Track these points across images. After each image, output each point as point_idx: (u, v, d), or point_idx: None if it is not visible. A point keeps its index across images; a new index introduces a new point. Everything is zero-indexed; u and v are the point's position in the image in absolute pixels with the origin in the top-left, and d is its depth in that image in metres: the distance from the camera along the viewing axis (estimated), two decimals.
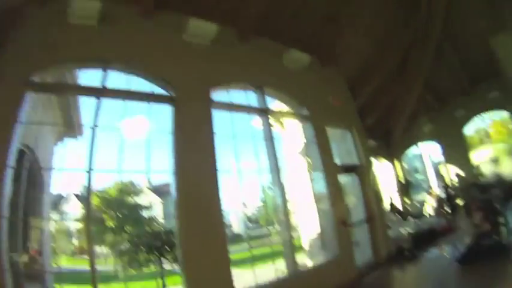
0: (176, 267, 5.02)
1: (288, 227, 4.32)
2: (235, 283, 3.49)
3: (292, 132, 5.51)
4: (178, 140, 3.30)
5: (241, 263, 5.96)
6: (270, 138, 4.52)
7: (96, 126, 3.08)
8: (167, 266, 9.96)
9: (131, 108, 3.38)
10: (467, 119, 11.97)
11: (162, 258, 10.10)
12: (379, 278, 5.43)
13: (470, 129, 12.83)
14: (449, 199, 10.54)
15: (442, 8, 7.46)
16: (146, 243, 10.44)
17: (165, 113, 3.49)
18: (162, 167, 3.66)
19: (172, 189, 3.18)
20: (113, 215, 12.58)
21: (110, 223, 12.35)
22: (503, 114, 12.05)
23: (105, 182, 13.75)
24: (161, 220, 13.48)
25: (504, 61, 8.73)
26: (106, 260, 11.51)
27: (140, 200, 13.68)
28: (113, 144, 3.33)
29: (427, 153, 18.20)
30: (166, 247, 10.02)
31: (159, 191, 15.29)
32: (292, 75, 5.55)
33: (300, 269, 4.34)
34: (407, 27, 7.79)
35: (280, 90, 5.14)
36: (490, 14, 8.21)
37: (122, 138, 3.28)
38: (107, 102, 3.22)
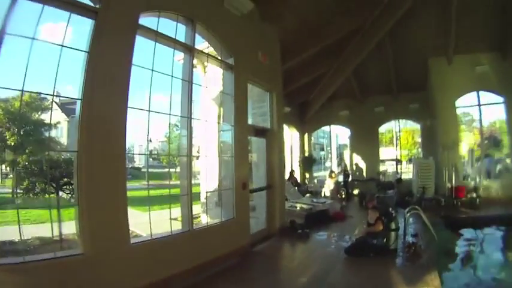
0: (73, 199, 5.10)
1: (188, 173, 4.78)
2: (131, 224, 3.84)
3: (212, 79, 6.03)
4: (93, 60, 3.40)
5: (140, 202, 6.45)
6: (188, 79, 4.86)
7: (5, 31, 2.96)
8: (65, 197, 10.46)
9: (49, 15, 3.28)
10: (384, 117, 14.74)
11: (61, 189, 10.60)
12: (268, 249, 6.48)
13: (383, 127, 15.83)
14: (347, 186, 12.81)
15: (400, 10, 8.92)
16: (44, 170, 10.57)
17: (85, 26, 3.52)
18: (73, 84, 3.69)
19: (78, 110, 3.37)
20: (15, 130, 13.16)
21: (11, 140, 12.90)
22: (415, 125, 15.32)
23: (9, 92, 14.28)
24: (64, 142, 14.57)
25: (434, 82, 11.46)
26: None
27: (46, 117, 14.40)
28: (23, 52, 3.20)
29: (337, 135, 21.68)
30: (65, 177, 10.50)
31: (68, 109, 16.26)
32: (229, 19, 5.98)
33: (194, 222, 4.94)
34: (359, 12, 9.13)
35: (213, 31, 5.47)
36: (439, 37, 10.45)
37: (34, 47, 3.18)
38: (22, 6, 3.04)
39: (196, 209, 5.98)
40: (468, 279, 5.46)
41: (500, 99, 11.37)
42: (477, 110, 12.13)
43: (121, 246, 3.65)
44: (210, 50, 5.74)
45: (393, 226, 5.90)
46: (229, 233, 5.68)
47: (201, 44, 5.71)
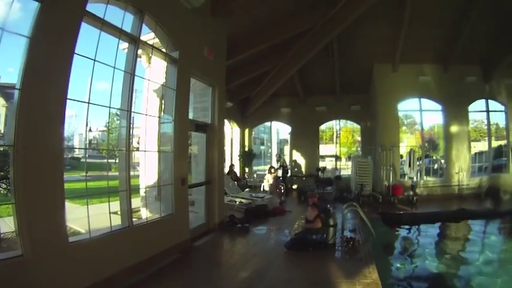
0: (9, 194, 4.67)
1: (127, 167, 4.72)
2: (70, 219, 3.85)
3: (156, 71, 5.99)
4: (35, 46, 3.25)
5: (79, 195, 6.18)
6: (131, 71, 4.82)
7: None
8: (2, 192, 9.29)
9: None
10: (325, 116, 15.63)
11: None
12: (209, 244, 6.67)
13: (324, 125, 16.66)
14: (285, 182, 13.27)
15: (351, 16, 9.41)
16: None
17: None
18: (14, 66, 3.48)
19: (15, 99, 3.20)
20: None
21: None
22: (355, 125, 16.32)
23: None
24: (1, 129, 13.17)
25: (377, 86, 12.43)
26: None
27: None
28: None
29: (278, 131, 22.37)
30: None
31: (7, 93, 14.37)
32: (179, 12, 6.05)
33: (134, 217, 4.94)
34: (310, 14, 9.54)
35: (161, 23, 5.45)
36: (387, 45, 11.36)
37: None
38: None
39: (137, 202, 5.92)
40: (405, 271, 5.99)
41: (439, 106, 12.82)
42: (419, 115, 13.53)
43: (59, 246, 3.54)
44: (156, 42, 5.69)
45: (331, 222, 6.19)
46: (169, 229, 5.72)
47: (147, 34, 5.64)
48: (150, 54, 5.64)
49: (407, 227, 8.95)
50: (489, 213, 9.80)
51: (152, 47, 5.47)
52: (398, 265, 6.33)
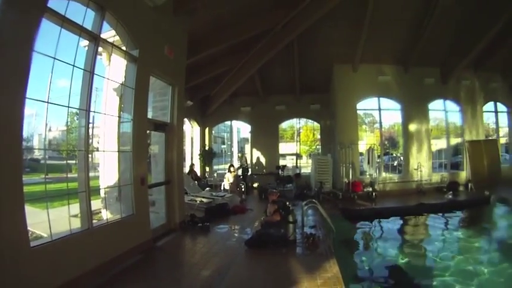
0: None
1: (86, 167, 4.68)
2: (31, 224, 3.73)
3: (116, 69, 5.92)
4: None
5: (39, 198, 5.96)
6: (91, 68, 4.76)
7: None
8: None
9: None
10: (285, 115, 16.02)
11: None
12: (170, 244, 6.69)
13: (285, 123, 17.16)
14: (246, 180, 13.47)
15: (312, 17, 9.65)
16: None
17: None
18: None
19: None
20: None
21: None
22: (316, 123, 16.79)
23: None
24: None
25: (337, 86, 12.92)
26: None
27: None
28: None
29: (239, 129, 22.54)
30: None
31: None
32: (141, 10, 6.06)
33: (94, 219, 4.92)
34: (272, 14, 9.74)
35: (122, 21, 5.43)
36: (347, 46, 11.80)
37: None
38: None
39: (97, 204, 5.84)
40: (365, 265, 6.32)
41: (399, 106, 13.55)
42: (378, 114, 14.10)
43: (21, 251, 3.49)
44: (117, 39, 5.65)
45: (291, 218, 6.34)
46: (130, 230, 5.72)
47: (108, 32, 5.58)
48: (110, 53, 5.58)
49: (367, 222, 9.33)
50: (447, 206, 10.52)
51: (112, 45, 5.42)
52: (359, 259, 6.67)
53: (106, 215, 5.55)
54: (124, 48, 5.76)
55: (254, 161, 15.67)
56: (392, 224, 9.27)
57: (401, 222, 9.38)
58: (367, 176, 12.60)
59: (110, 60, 5.60)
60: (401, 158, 14.08)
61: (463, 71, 13.56)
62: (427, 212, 9.91)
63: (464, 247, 7.28)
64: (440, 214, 9.86)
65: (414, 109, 13.44)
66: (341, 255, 5.80)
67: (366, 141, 17.60)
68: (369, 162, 12.45)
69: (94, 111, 5.09)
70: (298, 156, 17.40)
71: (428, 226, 9.23)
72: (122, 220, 5.55)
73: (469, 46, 11.81)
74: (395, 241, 7.81)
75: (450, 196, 11.47)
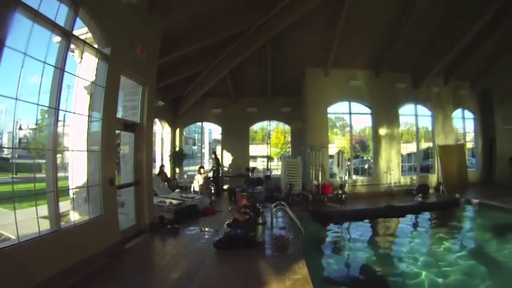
0: None
1: (54, 166, 4.59)
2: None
3: (87, 67, 5.80)
4: None
5: (6, 199, 5.71)
6: (61, 65, 4.68)
7: None
8: None
9: None
10: (256, 117, 16.12)
11: None
12: (139, 246, 6.61)
13: (257, 126, 17.20)
14: (217, 182, 13.51)
15: (286, 20, 9.78)
16: None
17: None
18: None
19: None
20: None
21: None
22: (286, 126, 17.01)
23: None
24: None
25: (309, 89, 13.12)
26: None
27: None
28: None
29: (210, 131, 22.50)
30: None
31: None
32: (115, 7, 6.00)
33: (61, 222, 4.78)
34: (247, 16, 9.77)
35: (96, 18, 5.36)
36: (320, 50, 12.00)
37: None
38: None
39: (67, 205, 5.69)
40: (335, 266, 6.40)
41: (369, 110, 13.92)
42: (348, 117, 14.45)
43: None
44: (89, 36, 5.55)
45: (260, 220, 6.39)
46: (99, 231, 5.64)
47: (81, 28, 5.47)
48: (82, 50, 5.48)
49: (337, 223, 9.49)
50: (416, 208, 10.90)
51: (84, 42, 5.33)
52: (329, 260, 6.76)
53: (75, 217, 5.42)
54: (96, 46, 5.68)
55: (224, 162, 15.65)
56: (361, 225, 9.47)
57: (370, 224, 9.61)
58: (337, 179, 12.81)
59: (81, 58, 5.48)
60: (372, 161, 14.39)
61: (434, 78, 14.20)
62: (396, 214, 10.17)
63: (433, 248, 7.53)
64: (410, 216, 10.19)
65: (384, 113, 13.85)
66: (310, 256, 5.88)
67: (337, 144, 18.00)
68: (338, 165, 12.69)
69: (64, 110, 4.97)
70: (269, 158, 17.54)
71: (398, 228, 9.47)
72: (90, 221, 5.46)
73: (441, 54, 12.34)
74: (364, 242, 7.96)
75: (419, 199, 11.88)
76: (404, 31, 11.07)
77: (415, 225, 9.66)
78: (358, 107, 14.13)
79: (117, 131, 7.05)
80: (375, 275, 5.98)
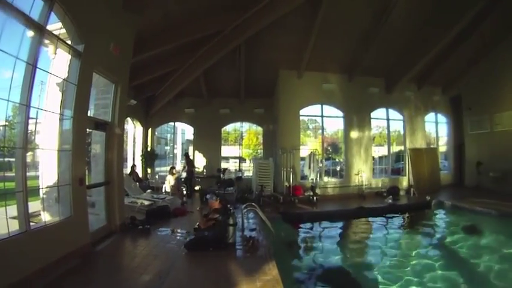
0: None
1: (23, 165, 4.45)
2: None
3: (60, 63, 5.65)
4: None
5: None
6: (34, 60, 4.56)
7: None
8: None
9: None
10: (229, 119, 16.18)
11: None
12: (110, 247, 6.51)
13: (230, 126, 17.18)
14: (190, 183, 13.33)
15: (262, 22, 9.83)
16: None
17: None
18: None
19: None
20: None
21: None
22: (259, 128, 17.17)
23: None
24: None
25: (281, 91, 13.27)
26: None
27: None
28: None
29: (183, 131, 22.24)
30: None
31: None
32: (90, 3, 5.92)
33: (32, 222, 4.65)
34: (222, 16, 9.77)
35: (70, 13, 5.25)
36: (294, 53, 12.16)
37: None
38: None
39: (37, 205, 5.50)
40: (306, 267, 6.50)
41: (341, 113, 14.23)
42: (320, 120, 14.68)
43: None
44: (62, 32, 5.42)
45: (231, 221, 6.40)
46: (69, 232, 5.50)
47: (54, 24, 5.33)
48: (55, 46, 5.34)
49: (308, 225, 9.66)
50: (387, 210, 11.22)
51: (57, 38, 5.20)
52: (300, 261, 6.87)
53: (45, 217, 5.27)
54: (69, 42, 5.55)
55: (197, 163, 15.53)
56: (332, 227, 9.64)
57: (341, 225, 9.79)
58: (310, 180, 12.96)
59: (55, 54, 5.33)
60: (343, 163, 14.67)
61: (407, 83, 14.69)
62: (367, 216, 10.46)
63: (403, 247, 7.85)
64: (381, 217, 10.47)
65: (356, 117, 14.21)
66: (281, 257, 5.95)
67: (310, 146, 18.26)
68: (309, 167, 12.85)
69: (35, 107, 4.82)
70: (242, 159, 17.60)
71: (368, 229, 9.71)
72: (61, 222, 5.33)
73: (414, 60, 12.77)
74: (335, 243, 8.12)
75: (390, 200, 12.19)
76: (379, 37, 11.41)
77: (386, 226, 9.92)
78: (330, 109, 14.39)
79: (88, 130, 6.89)
80: (345, 275, 6.11)
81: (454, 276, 5.82)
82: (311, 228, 9.50)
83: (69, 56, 5.71)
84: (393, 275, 5.90)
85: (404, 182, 14.72)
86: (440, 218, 10.87)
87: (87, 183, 6.56)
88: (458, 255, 7.13)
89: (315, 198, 12.02)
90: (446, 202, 11.65)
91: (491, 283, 5.61)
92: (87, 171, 6.76)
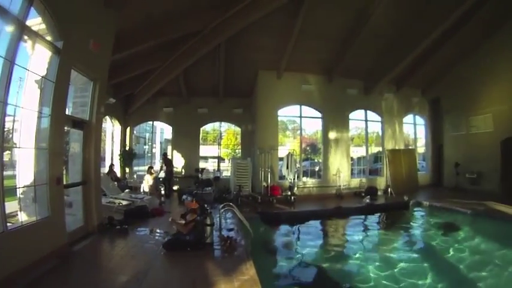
0: None
1: (0, 163, 4.36)
2: None
3: (39, 59, 5.52)
4: None
5: None
6: (12, 56, 4.46)
7: None
8: None
9: None
10: (208, 118, 16.15)
11: None
12: (88, 248, 6.40)
13: (209, 126, 17.21)
14: (169, 183, 13.33)
15: (243, 22, 9.85)
16: None
17: None
18: None
19: None
20: None
21: None
22: (237, 128, 17.20)
23: None
24: None
25: (260, 91, 13.35)
26: None
27: None
28: None
29: (162, 130, 22.01)
30: None
31: None
32: (70, 0, 5.80)
33: (8, 223, 4.52)
34: (203, 16, 9.72)
35: (50, 9, 5.14)
36: (274, 53, 12.23)
37: None
38: None
39: (15, 205, 5.34)
40: (284, 266, 6.57)
41: (320, 114, 14.42)
42: (299, 121, 14.85)
43: None
44: (42, 28, 5.29)
45: (209, 221, 6.42)
46: (46, 233, 5.38)
47: (34, 18, 5.20)
48: (34, 42, 5.21)
49: (286, 225, 9.75)
50: (364, 210, 11.45)
51: (37, 34, 5.07)
52: (278, 261, 6.92)
53: (22, 217, 5.13)
54: (49, 38, 5.42)
55: (175, 163, 15.42)
56: (310, 226, 9.75)
57: (319, 225, 9.93)
58: (288, 180, 13.04)
59: (34, 50, 5.19)
60: (322, 163, 14.84)
61: (386, 84, 15.01)
62: (345, 215, 10.65)
63: (381, 246, 7.99)
64: (359, 217, 10.70)
65: (335, 118, 14.43)
66: (259, 257, 6.00)
67: (289, 146, 18.38)
68: (287, 167, 12.92)
69: (12, 104, 4.70)
70: (220, 159, 17.58)
71: (346, 228, 9.90)
72: (38, 222, 5.20)
73: (393, 63, 13.04)
74: (313, 243, 8.22)
75: (368, 200, 12.38)
76: (359, 39, 11.62)
77: (363, 225, 10.15)
78: (309, 110, 14.57)
79: (66, 128, 6.73)
80: (323, 274, 6.19)
81: (431, 273, 6.02)
82: (289, 228, 9.59)
83: (48, 53, 5.58)
84: (370, 273, 6.03)
85: (382, 182, 15.03)
86: (418, 217, 11.19)
87: (64, 183, 6.41)
88: (434, 253, 7.38)
89: (292, 198, 12.11)
90: (424, 202, 11.98)
91: (462, 275, 5.95)
92: (64, 170, 6.67)
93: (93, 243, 6.75)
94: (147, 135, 18.95)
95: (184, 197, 9.24)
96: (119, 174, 13.95)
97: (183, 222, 6.59)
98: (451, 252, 7.10)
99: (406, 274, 5.96)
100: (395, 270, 6.17)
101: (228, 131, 21.38)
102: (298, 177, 13.71)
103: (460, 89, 15.03)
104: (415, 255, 7.22)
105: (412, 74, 14.93)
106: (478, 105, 14.09)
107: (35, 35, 5.11)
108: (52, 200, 5.58)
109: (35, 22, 5.25)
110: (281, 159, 14.09)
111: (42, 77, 5.55)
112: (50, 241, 5.48)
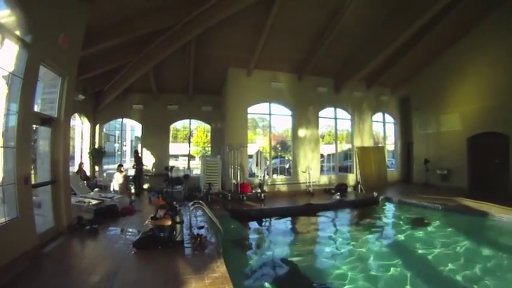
0: None
1: None
2: None
3: (6, 54, 5.28)
4: None
5: None
6: None
7: None
8: None
9: None
10: (177, 115, 15.98)
11: None
12: (58, 249, 6.21)
13: (180, 123, 17.10)
14: (139, 181, 13.12)
15: (213, 19, 9.75)
16: None
17: None
18: None
19: None
20: None
21: None
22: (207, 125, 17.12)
23: None
24: None
25: (230, 89, 13.43)
26: None
27: None
28: None
29: (133, 128, 21.50)
30: None
31: None
32: None
33: None
34: (175, 11, 9.59)
35: (19, 1, 4.96)
36: (244, 51, 12.26)
37: None
38: None
39: None
40: (254, 264, 6.62)
41: (289, 112, 14.55)
42: (269, 118, 14.89)
43: None
44: (10, 21, 5.06)
45: (178, 219, 6.40)
46: (15, 235, 5.19)
47: (2, 10, 4.96)
48: (3, 36, 4.97)
49: (256, 222, 9.82)
50: (335, 206, 11.71)
51: (4, 27, 4.85)
52: (249, 258, 6.99)
53: None
54: (17, 32, 5.19)
55: (145, 161, 15.13)
56: (281, 223, 9.88)
57: (290, 221, 10.05)
58: (258, 178, 13.12)
59: (2, 44, 4.95)
60: (291, 160, 14.98)
61: (356, 83, 15.39)
62: (315, 212, 10.80)
63: (351, 242, 8.16)
64: (329, 213, 10.90)
65: (305, 115, 14.66)
66: (230, 255, 6.04)
67: (260, 144, 18.50)
68: (257, 165, 13.01)
69: None
70: (191, 157, 17.44)
71: (316, 225, 10.03)
72: (7, 224, 5.01)
73: (363, 62, 13.32)
74: (283, 240, 8.31)
75: (338, 197, 12.68)
76: (330, 38, 11.81)
77: (334, 221, 10.38)
78: (280, 108, 14.72)
79: (35, 126, 6.49)
80: (294, 270, 6.30)
81: (402, 267, 6.21)
82: (259, 226, 9.69)
83: (17, 47, 5.34)
84: (341, 268, 6.19)
85: (352, 179, 15.42)
86: (387, 212, 11.56)
87: (33, 182, 6.21)
88: (404, 247, 7.64)
89: (262, 195, 12.16)
90: (394, 198, 12.44)
91: (431, 267, 6.23)
92: (33, 169, 6.45)
93: (64, 244, 6.55)
94: (117, 132, 18.47)
95: (150, 194, 9.11)
96: (88, 173, 13.54)
97: (162, 217, 6.46)
98: (421, 246, 7.39)
99: (377, 268, 6.17)
100: (366, 265, 6.37)
101: (198, 129, 21.19)
102: (268, 174, 13.85)
103: (430, 88, 15.71)
104: (386, 249, 7.48)
105: (382, 73, 15.37)
106: (447, 104, 14.79)
107: (2, 29, 4.87)
108: (20, 200, 5.37)
109: (3, 15, 5.00)
110: (251, 156, 14.18)
111: (9, 72, 5.32)
112: (20, 243, 5.30)
